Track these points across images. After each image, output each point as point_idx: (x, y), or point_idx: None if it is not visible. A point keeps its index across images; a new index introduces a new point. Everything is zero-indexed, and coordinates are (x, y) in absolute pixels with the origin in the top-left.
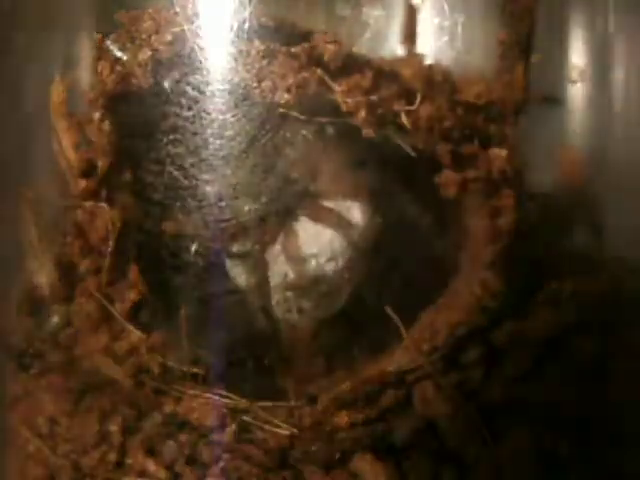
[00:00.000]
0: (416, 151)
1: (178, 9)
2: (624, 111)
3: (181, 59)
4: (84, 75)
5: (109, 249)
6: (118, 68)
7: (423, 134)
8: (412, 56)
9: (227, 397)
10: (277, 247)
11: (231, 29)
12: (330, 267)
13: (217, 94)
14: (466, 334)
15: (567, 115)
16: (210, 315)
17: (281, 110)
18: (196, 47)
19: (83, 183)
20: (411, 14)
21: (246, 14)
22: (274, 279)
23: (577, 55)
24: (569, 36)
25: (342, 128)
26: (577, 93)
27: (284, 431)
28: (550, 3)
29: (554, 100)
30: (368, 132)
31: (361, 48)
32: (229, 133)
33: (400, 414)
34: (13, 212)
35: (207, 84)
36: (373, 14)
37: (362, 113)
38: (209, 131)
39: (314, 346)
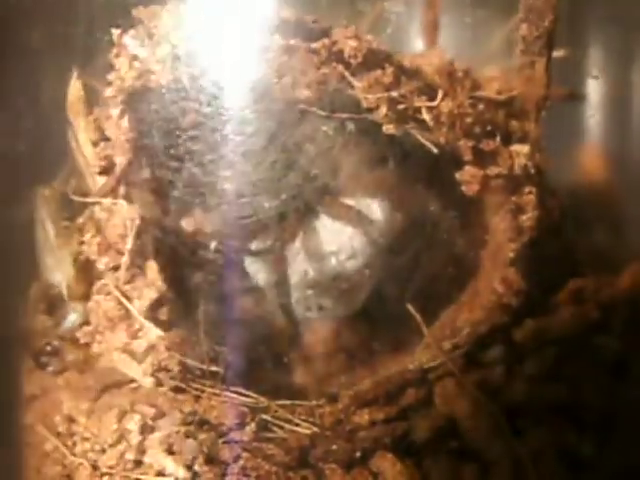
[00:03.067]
0: (437, 147)
1: (197, 5)
2: None
3: (200, 55)
4: (102, 72)
5: (127, 246)
6: (137, 64)
7: (444, 130)
8: (433, 52)
9: (246, 395)
10: (297, 244)
11: (251, 25)
12: (350, 264)
13: (237, 90)
14: (487, 332)
15: (588, 111)
16: (229, 313)
17: (301, 106)
18: (216, 43)
19: (101, 180)
20: (432, 10)
21: (266, 9)
22: (294, 277)
23: (598, 51)
24: (591, 32)
25: (363, 124)
26: (598, 89)
27: (304, 430)
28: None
29: (576, 96)
30: (389, 128)
31: (382, 44)
32: (249, 129)
33: (421, 412)
34: (30, 210)
35: (227, 80)
36: (394, 10)
37: (383, 109)
38: (229, 127)
39: (334, 344)
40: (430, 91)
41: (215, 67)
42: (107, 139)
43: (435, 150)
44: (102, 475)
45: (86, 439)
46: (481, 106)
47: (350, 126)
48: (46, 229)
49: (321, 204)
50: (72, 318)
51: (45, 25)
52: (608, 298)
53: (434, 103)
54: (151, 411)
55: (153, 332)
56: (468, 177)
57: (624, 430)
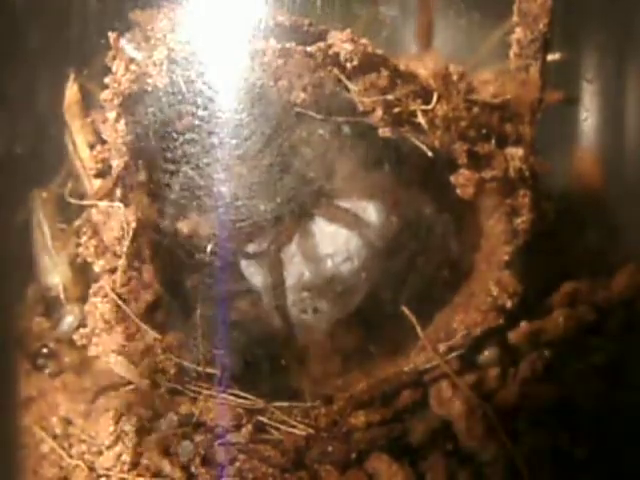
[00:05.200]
0: (432, 150)
1: (193, 8)
2: (637, 110)
3: (197, 58)
4: (99, 75)
5: (124, 249)
6: (133, 67)
7: (440, 133)
8: (428, 55)
9: (243, 397)
10: (293, 247)
11: (247, 28)
12: (346, 267)
13: (233, 94)
14: (482, 334)
15: (583, 115)
16: (225, 315)
17: (297, 109)
18: (212, 46)
19: (98, 183)
20: (427, 13)
21: (262, 13)
22: (290, 279)
23: (593, 55)
24: (585, 36)
25: (358, 127)
26: (593, 93)
27: (300, 431)
28: (568, 3)
29: (570, 100)
30: (384, 131)
31: (377, 47)
32: (245, 132)
33: (416, 414)
34: (27, 212)
35: (223, 84)
36: (389, 13)
37: (378, 112)
38: (225, 130)
39: (330, 346)
40: (425, 94)
41: (211, 70)
42: (104, 142)
43: (430, 153)
44: (99, 477)
45: (83, 441)
46: (476, 109)
47: (346, 129)
48: (43, 231)
49: (317, 207)
50: (69, 320)
51: (42, 28)
52: (602, 300)
53: (429, 106)
54: (147, 413)
55: (149, 334)
56: (463, 180)
57: (618, 433)
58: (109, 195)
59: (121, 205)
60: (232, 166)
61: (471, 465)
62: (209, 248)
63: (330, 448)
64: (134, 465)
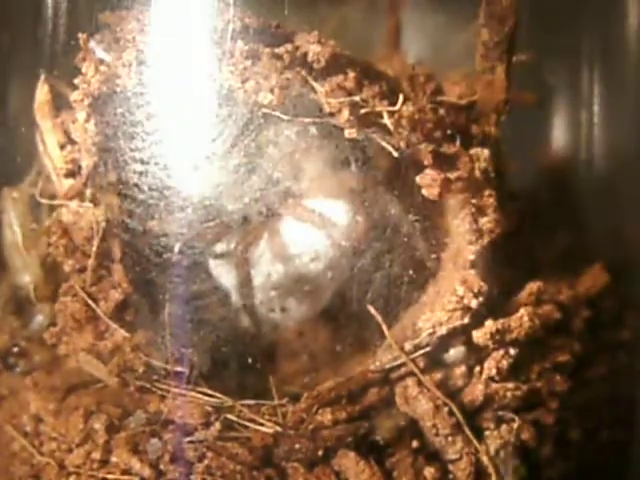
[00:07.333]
0: (398, 151)
1: (162, 10)
2: (604, 112)
3: (165, 60)
4: (69, 76)
5: (93, 249)
6: (103, 68)
7: (405, 134)
8: (395, 57)
9: (211, 395)
10: (261, 247)
11: (215, 30)
12: (313, 266)
13: (201, 94)
14: (448, 333)
15: (550, 116)
16: (194, 314)
17: (264, 110)
18: (180, 48)
19: (68, 183)
20: (394, 15)
21: (230, 15)
22: (257, 278)
23: (560, 56)
24: (552, 38)
25: (325, 128)
26: (560, 94)
27: (268, 429)
28: (534, 5)
29: (537, 101)
30: (351, 132)
31: (345, 49)
32: (212, 133)
33: (383, 412)
34: None
35: (191, 85)
36: (357, 15)
37: (345, 113)
38: (193, 132)
39: (297, 345)
40: (392, 95)
41: (180, 72)
42: (73, 142)
43: (396, 154)
44: (69, 474)
45: (53, 439)
46: (442, 110)
47: (312, 130)
48: (14, 231)
49: (284, 207)
50: (39, 319)
51: (12, 28)
52: (567, 299)
53: (395, 107)
54: (117, 411)
55: (119, 333)
56: (428, 180)
57: (582, 430)
58: (79, 195)
59: (91, 205)
60: (200, 167)
61: (437, 462)
62: (177, 248)
63: (297, 446)
64: (104, 463)
